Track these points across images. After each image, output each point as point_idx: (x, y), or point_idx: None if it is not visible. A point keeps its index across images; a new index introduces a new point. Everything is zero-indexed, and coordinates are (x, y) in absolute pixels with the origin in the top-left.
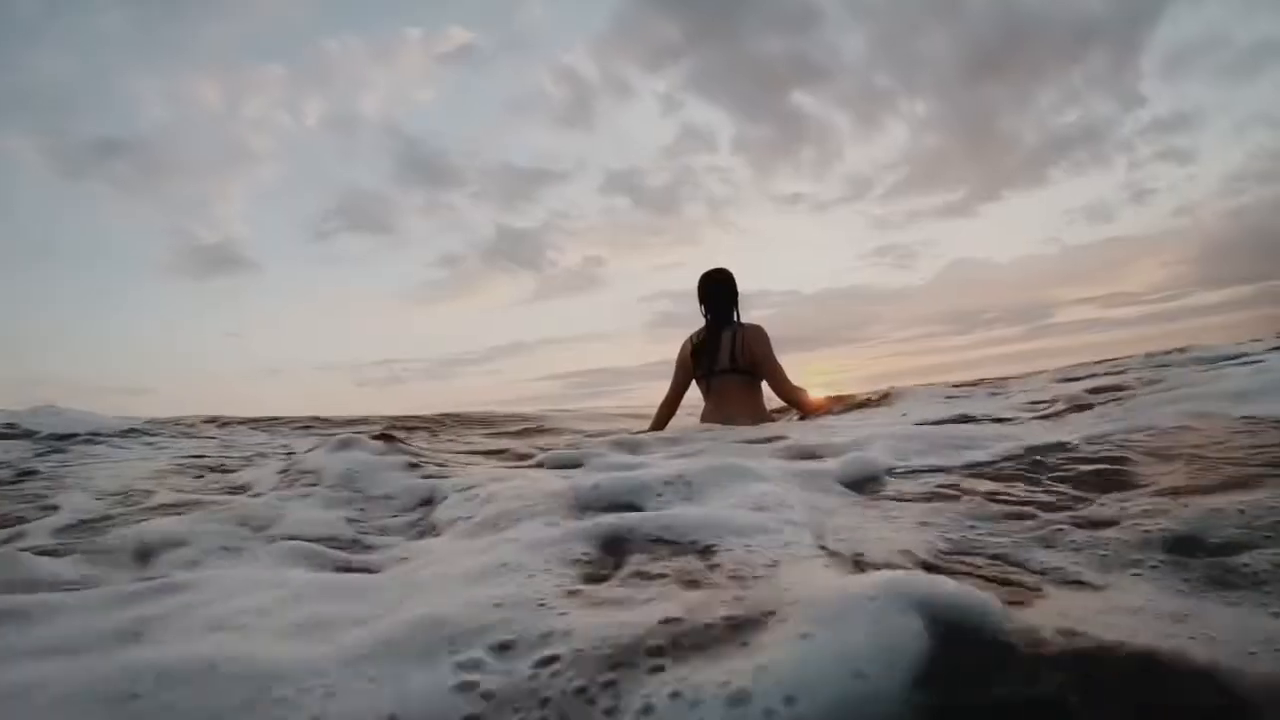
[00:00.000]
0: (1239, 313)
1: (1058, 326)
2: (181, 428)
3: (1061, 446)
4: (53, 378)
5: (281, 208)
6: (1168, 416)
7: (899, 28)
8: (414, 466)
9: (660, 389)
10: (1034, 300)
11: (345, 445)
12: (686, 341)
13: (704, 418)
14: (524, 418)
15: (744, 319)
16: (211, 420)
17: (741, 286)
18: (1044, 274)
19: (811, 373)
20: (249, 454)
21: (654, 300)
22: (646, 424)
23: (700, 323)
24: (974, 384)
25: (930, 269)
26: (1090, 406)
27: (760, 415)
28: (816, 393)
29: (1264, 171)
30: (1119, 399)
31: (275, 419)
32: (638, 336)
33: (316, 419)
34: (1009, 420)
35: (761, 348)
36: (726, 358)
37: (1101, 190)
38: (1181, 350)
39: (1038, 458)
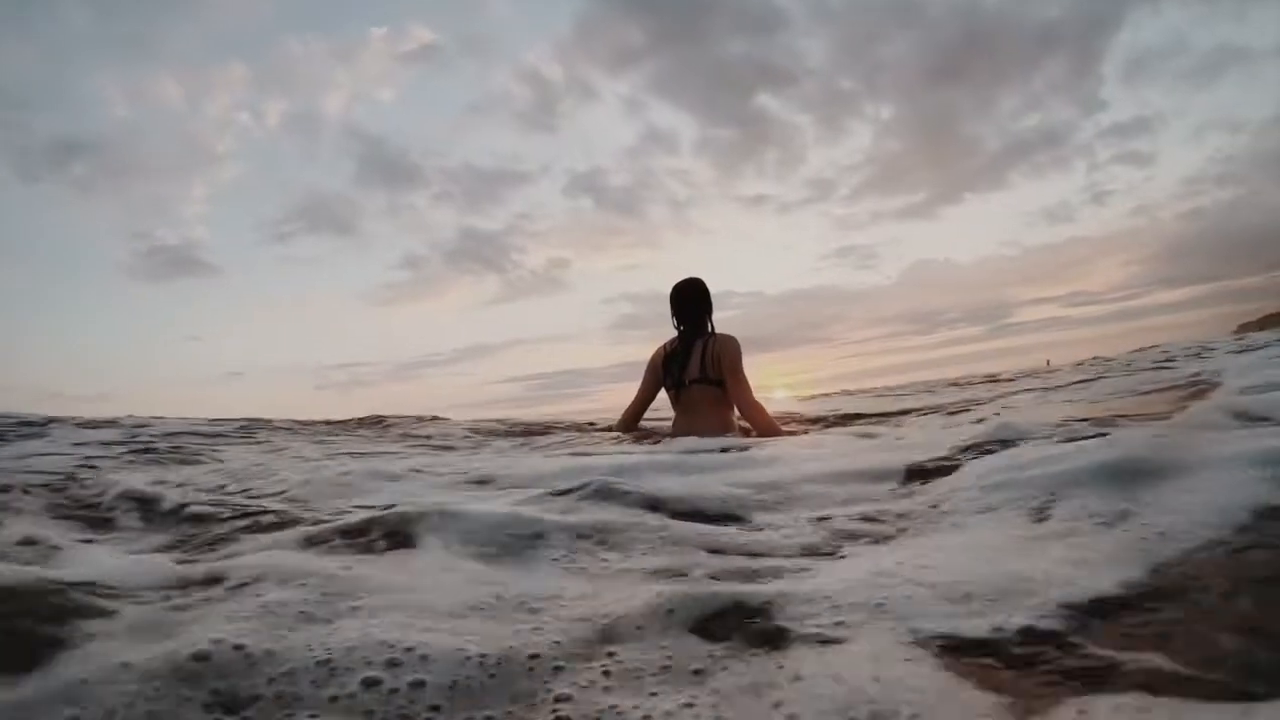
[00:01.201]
0: (1197, 311)
1: (1018, 326)
2: (83, 422)
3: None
4: (11, 385)
5: (242, 209)
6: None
7: (863, 32)
8: None
9: (623, 391)
10: (995, 300)
11: None
12: (660, 349)
13: (674, 429)
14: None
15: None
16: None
17: None
18: (1004, 274)
19: (775, 374)
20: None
21: (616, 303)
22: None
23: (671, 332)
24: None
25: (893, 270)
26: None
27: (728, 427)
28: (779, 394)
29: (1221, 174)
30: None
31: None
32: (600, 338)
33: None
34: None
35: (730, 358)
36: (697, 367)
37: (1061, 192)
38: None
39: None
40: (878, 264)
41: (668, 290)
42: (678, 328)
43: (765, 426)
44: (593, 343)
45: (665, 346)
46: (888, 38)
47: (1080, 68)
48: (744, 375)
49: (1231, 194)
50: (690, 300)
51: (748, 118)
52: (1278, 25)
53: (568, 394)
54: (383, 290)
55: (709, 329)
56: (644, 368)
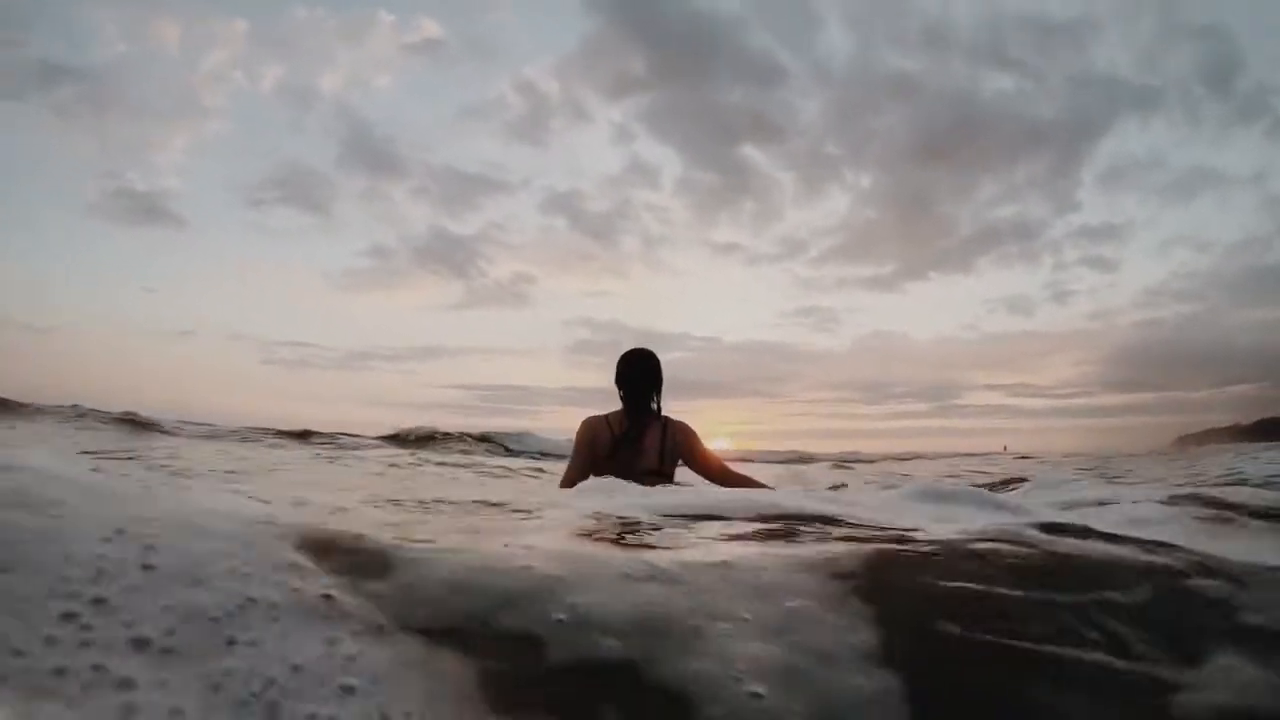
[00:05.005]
0: (1140, 417)
1: (964, 408)
2: None
3: None
4: None
5: (219, 167)
6: None
7: (857, 100)
8: None
9: (572, 414)
10: (945, 380)
11: None
12: (601, 424)
13: None
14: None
15: (660, 379)
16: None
17: (664, 328)
18: (958, 356)
19: (720, 421)
20: None
21: (575, 327)
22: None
23: (614, 401)
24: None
25: (850, 336)
26: None
27: None
28: (721, 443)
29: (1182, 290)
30: None
31: None
32: (556, 359)
33: None
34: None
35: (693, 445)
36: (655, 458)
37: (1025, 285)
38: None
39: None
40: (836, 329)
41: (629, 321)
42: (623, 398)
43: (746, 484)
44: (548, 362)
45: (609, 424)
46: (881, 109)
47: (1061, 168)
48: (711, 452)
49: (1190, 309)
50: (642, 374)
51: (731, 166)
52: (1256, 155)
53: (516, 409)
54: (345, 275)
55: (657, 408)
56: (594, 395)
